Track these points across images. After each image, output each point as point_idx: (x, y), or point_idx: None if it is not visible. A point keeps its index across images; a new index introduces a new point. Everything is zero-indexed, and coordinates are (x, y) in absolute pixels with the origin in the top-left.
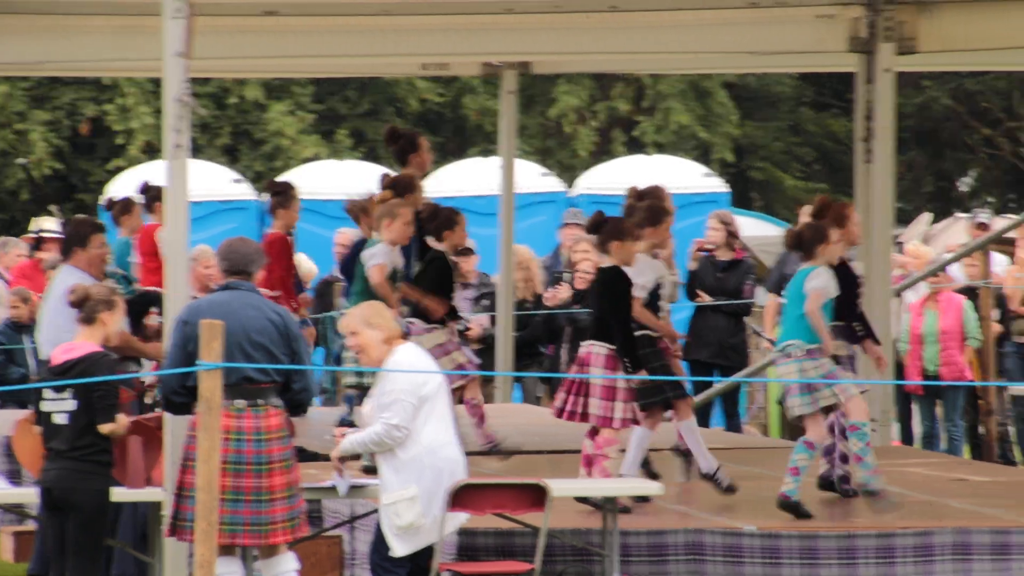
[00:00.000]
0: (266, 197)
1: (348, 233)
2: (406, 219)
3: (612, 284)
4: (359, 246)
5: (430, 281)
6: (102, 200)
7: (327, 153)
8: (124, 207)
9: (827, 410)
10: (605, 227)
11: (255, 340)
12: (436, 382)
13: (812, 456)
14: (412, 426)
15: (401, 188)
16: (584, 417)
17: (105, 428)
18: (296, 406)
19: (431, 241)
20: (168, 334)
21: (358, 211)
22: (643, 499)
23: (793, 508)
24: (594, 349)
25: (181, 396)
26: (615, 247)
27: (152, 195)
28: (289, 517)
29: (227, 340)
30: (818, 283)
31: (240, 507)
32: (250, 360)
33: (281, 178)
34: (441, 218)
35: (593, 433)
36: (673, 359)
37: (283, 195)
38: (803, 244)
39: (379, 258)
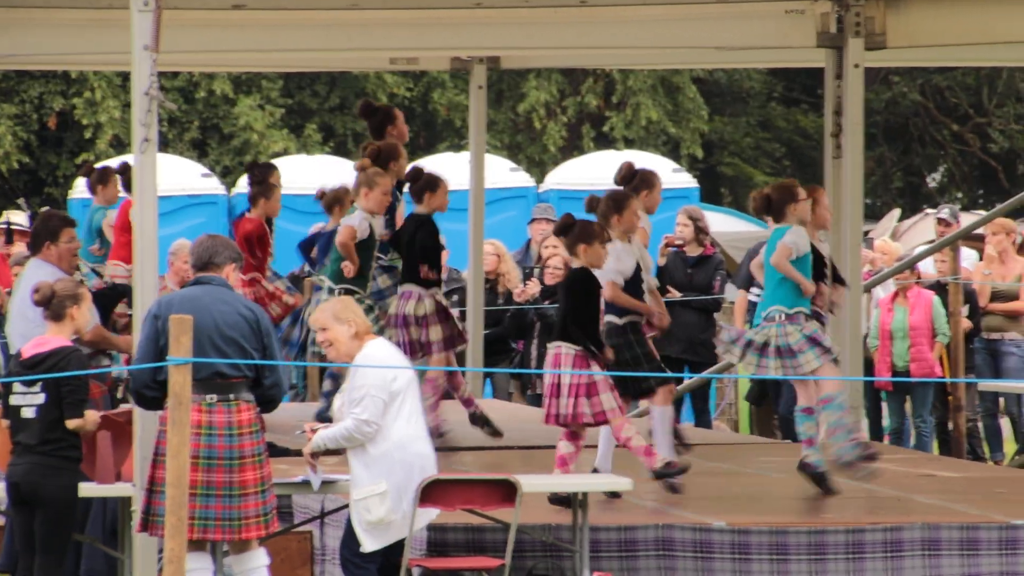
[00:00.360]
0: (235, 191)
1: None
2: (384, 188)
3: (579, 286)
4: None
5: (420, 245)
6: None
7: (296, 147)
8: (101, 176)
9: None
10: (573, 230)
11: (226, 335)
12: (406, 377)
13: (815, 420)
14: (382, 421)
15: (385, 156)
16: (575, 418)
17: (72, 423)
18: (267, 401)
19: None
20: (138, 328)
21: (331, 201)
22: (614, 495)
23: (819, 479)
24: (563, 350)
25: (152, 391)
26: (582, 250)
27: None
28: (262, 512)
29: (198, 335)
30: (788, 239)
31: (211, 502)
32: (221, 355)
33: None
34: (423, 180)
35: (570, 435)
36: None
37: (263, 184)
38: (772, 206)
39: (353, 221)
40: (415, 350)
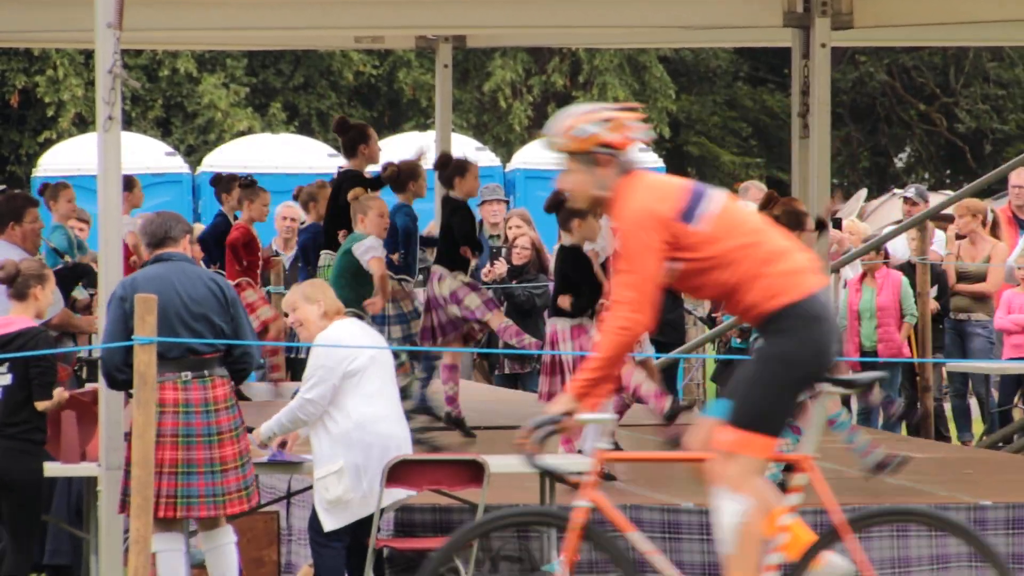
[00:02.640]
0: (200, 170)
1: (294, 207)
2: (378, 210)
3: (572, 263)
4: (314, 234)
5: (458, 229)
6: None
7: (260, 126)
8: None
9: None
10: (565, 205)
11: (194, 311)
12: (367, 356)
13: (797, 441)
14: (338, 401)
15: (351, 142)
16: None
17: (42, 405)
18: (238, 372)
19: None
20: (103, 310)
21: (306, 198)
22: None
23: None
24: (558, 326)
25: (124, 373)
26: (577, 224)
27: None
28: (244, 486)
29: (167, 313)
30: None
31: (193, 479)
32: (192, 331)
33: (215, 152)
34: (452, 166)
35: None
36: None
37: (250, 188)
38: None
39: (375, 251)
40: (446, 331)
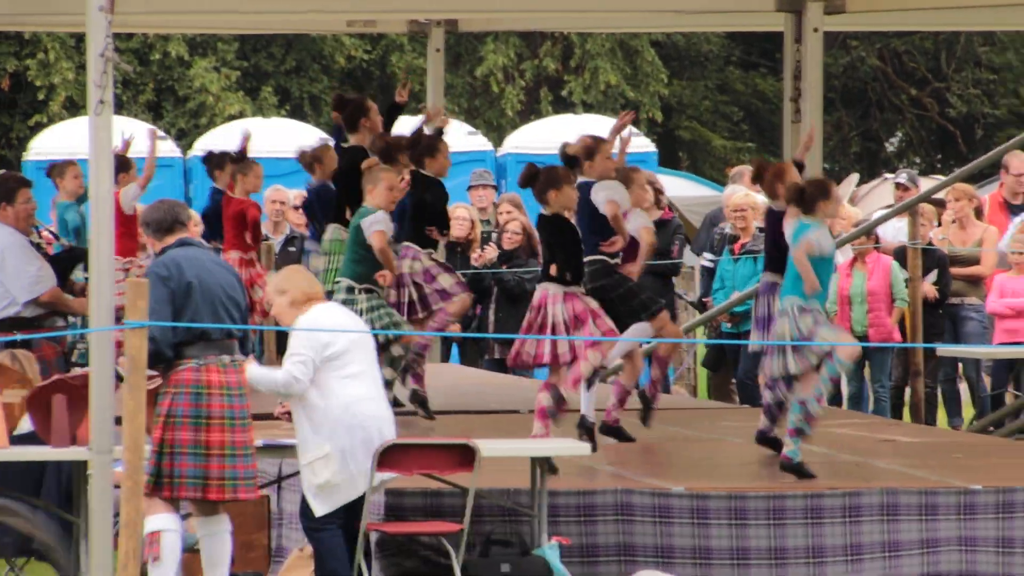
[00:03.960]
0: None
1: (283, 191)
2: (388, 183)
3: (557, 229)
4: (319, 191)
5: (432, 208)
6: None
7: (252, 111)
8: (60, 171)
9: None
10: (539, 179)
11: (230, 295)
12: (346, 339)
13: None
14: (321, 384)
15: (352, 116)
16: (572, 355)
17: None
18: (246, 352)
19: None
20: (96, 292)
21: (310, 160)
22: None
23: (795, 470)
24: (550, 290)
25: (172, 351)
26: (553, 196)
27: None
28: (258, 472)
29: (212, 296)
30: (812, 235)
31: (236, 462)
32: (230, 316)
33: (206, 136)
34: (423, 145)
35: (548, 387)
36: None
37: (242, 162)
38: (804, 198)
39: (379, 225)
40: (414, 310)
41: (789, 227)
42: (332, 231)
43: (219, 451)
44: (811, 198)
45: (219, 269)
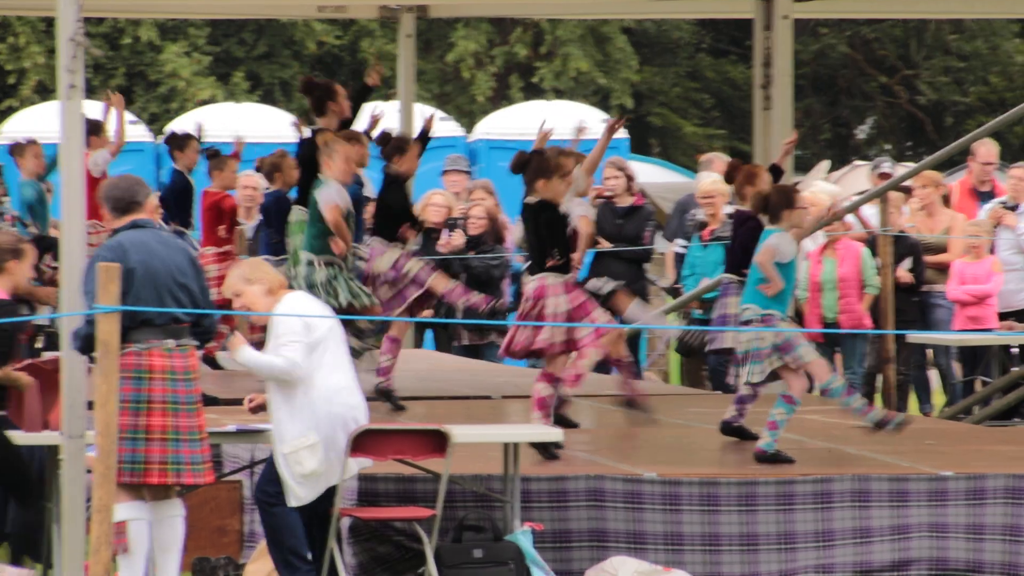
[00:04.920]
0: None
1: (255, 177)
2: (344, 154)
3: (545, 217)
4: (276, 199)
5: (397, 204)
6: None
7: (223, 96)
8: (20, 150)
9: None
10: (530, 165)
11: (179, 280)
12: (325, 327)
13: (791, 411)
14: (307, 366)
15: (319, 99)
16: (568, 345)
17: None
18: (204, 337)
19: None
20: (66, 279)
21: (269, 168)
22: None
23: (770, 460)
24: (548, 280)
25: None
26: (542, 185)
27: (87, 129)
28: (211, 457)
29: (157, 280)
30: (773, 240)
31: (181, 447)
32: (177, 301)
33: (177, 121)
34: (392, 145)
35: (547, 376)
36: None
37: (216, 158)
38: (769, 206)
39: (333, 198)
40: (390, 305)
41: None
42: (296, 213)
43: (160, 435)
44: (776, 207)
45: (169, 252)
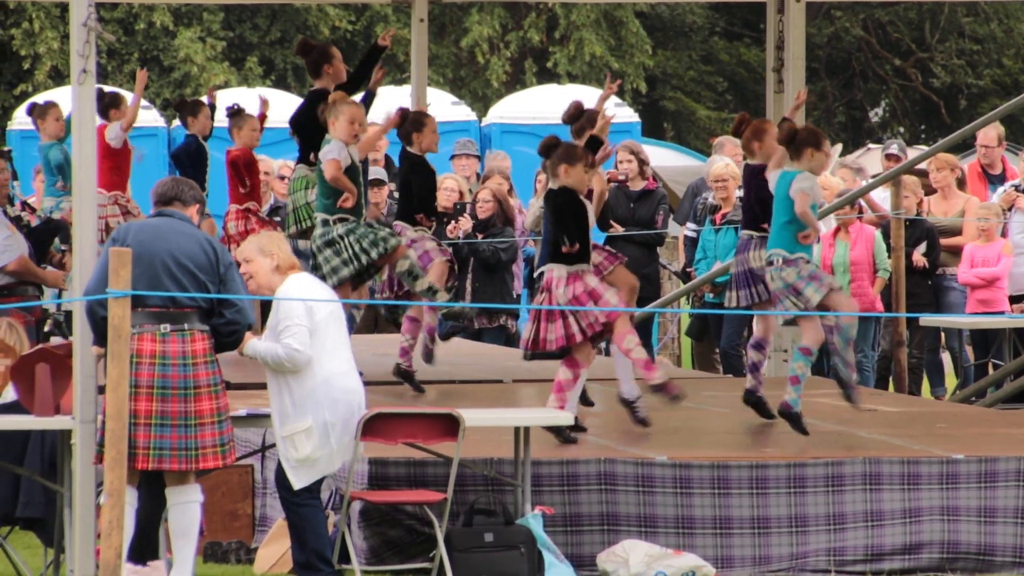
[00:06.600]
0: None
1: (268, 161)
2: (349, 116)
3: (564, 203)
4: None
5: (416, 188)
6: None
7: (237, 81)
8: (41, 111)
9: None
10: (556, 151)
11: (181, 263)
12: (326, 311)
13: (809, 362)
14: (311, 351)
15: (315, 63)
16: (583, 334)
17: None
18: (225, 336)
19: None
20: (77, 262)
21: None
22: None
23: (794, 419)
24: (555, 272)
25: (105, 310)
26: (564, 170)
27: (107, 102)
28: (220, 442)
29: (152, 262)
30: (804, 184)
31: (167, 432)
32: (175, 283)
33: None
34: (409, 121)
35: (569, 362)
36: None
37: (237, 115)
38: (795, 141)
39: (332, 154)
40: (404, 284)
41: (773, 176)
42: (298, 169)
43: (145, 420)
44: (802, 143)
45: (180, 238)
